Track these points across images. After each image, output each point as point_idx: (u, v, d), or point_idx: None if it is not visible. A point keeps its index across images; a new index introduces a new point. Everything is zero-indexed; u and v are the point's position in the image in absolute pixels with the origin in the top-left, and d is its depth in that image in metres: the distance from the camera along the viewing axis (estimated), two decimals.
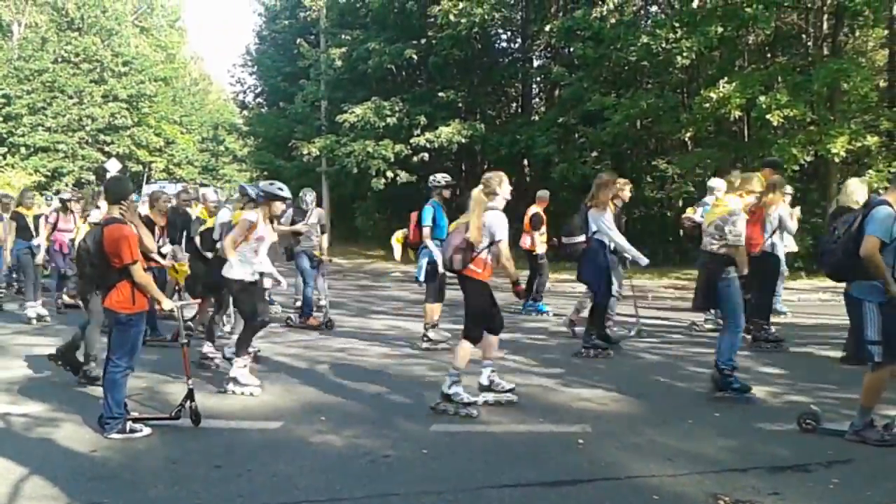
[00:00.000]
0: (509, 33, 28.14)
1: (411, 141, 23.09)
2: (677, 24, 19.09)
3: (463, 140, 22.80)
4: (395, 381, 7.69)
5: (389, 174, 23.32)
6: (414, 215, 9.54)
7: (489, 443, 5.72)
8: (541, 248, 12.41)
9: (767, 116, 17.04)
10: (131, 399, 6.19)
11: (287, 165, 27.92)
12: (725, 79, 18.07)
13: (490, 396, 6.75)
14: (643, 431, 5.90)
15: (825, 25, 19.66)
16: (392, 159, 23.24)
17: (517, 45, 27.85)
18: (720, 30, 18.10)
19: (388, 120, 23.07)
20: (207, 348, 8.29)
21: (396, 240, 9.90)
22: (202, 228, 9.09)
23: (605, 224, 8.60)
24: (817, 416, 5.82)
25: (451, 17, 21.76)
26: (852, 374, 7.78)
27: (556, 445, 5.61)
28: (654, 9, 24.34)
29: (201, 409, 5.97)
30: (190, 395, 5.91)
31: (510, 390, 6.82)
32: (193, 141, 53.52)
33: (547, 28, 22.58)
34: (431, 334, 9.39)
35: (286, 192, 7.44)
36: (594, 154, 23.05)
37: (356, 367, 8.34)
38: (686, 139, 21.98)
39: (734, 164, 21.34)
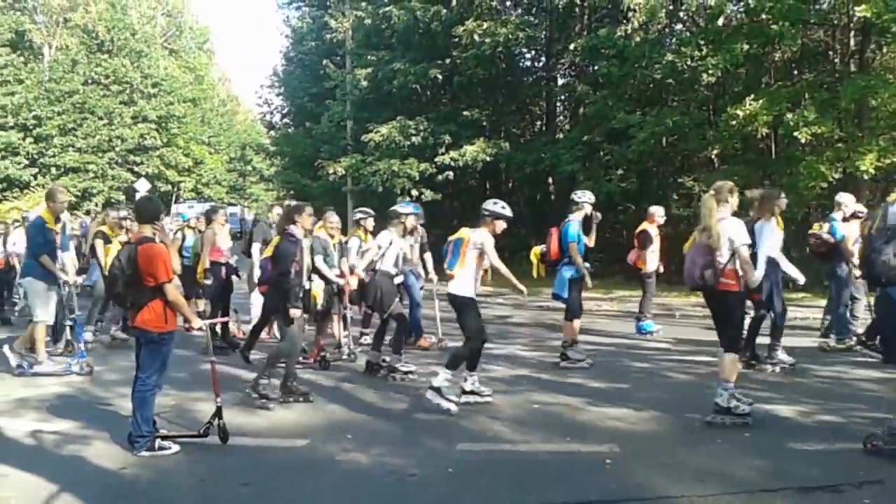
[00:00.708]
0: (533, 52, 28.19)
1: (436, 160, 23.14)
2: (702, 42, 19.05)
3: (488, 158, 22.82)
4: (421, 399, 7.68)
5: (414, 192, 23.36)
6: (555, 230, 9.47)
7: (515, 462, 5.69)
8: (650, 266, 11.82)
9: (795, 133, 16.90)
10: (160, 417, 6.25)
11: (313, 185, 28.10)
12: (752, 96, 17.96)
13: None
14: (672, 451, 5.85)
15: (852, 42, 19.51)
16: (417, 178, 23.29)
17: (541, 64, 27.89)
18: (746, 47, 18.01)
19: (413, 139, 23.16)
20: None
21: (534, 254, 9.78)
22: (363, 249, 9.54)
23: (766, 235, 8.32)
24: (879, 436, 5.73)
25: (476, 37, 21.86)
26: (881, 394, 7.71)
27: (583, 465, 5.58)
28: (679, 27, 24.27)
29: (229, 427, 6.00)
30: (218, 413, 5.94)
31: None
32: (221, 161, 54.17)
33: (571, 46, 22.61)
34: (571, 353, 9.28)
35: (508, 211, 7.48)
36: (619, 172, 22.97)
37: (383, 384, 8.34)
38: (712, 157, 21.87)
39: (762, 181, 21.24)
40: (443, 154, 23.03)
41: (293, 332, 7.46)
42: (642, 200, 23.50)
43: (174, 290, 5.77)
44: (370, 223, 10.34)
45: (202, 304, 11.27)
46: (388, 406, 7.38)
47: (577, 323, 9.38)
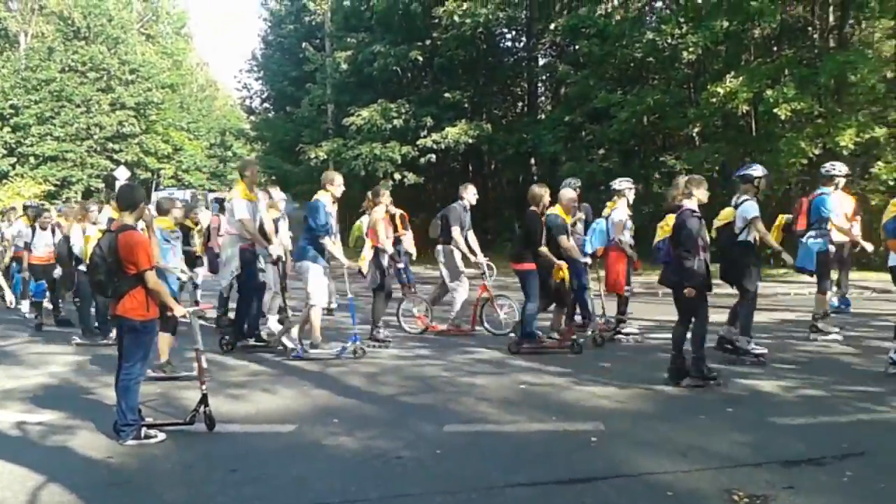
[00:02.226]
0: (514, 32, 28.16)
1: (418, 142, 23.12)
2: (682, 20, 19.09)
3: (470, 140, 22.83)
4: (407, 382, 7.71)
5: (397, 176, 23.35)
6: (805, 200, 9.61)
7: (502, 442, 5.73)
8: None
9: (775, 110, 16.99)
10: (145, 405, 6.23)
11: (294, 169, 28.02)
12: (732, 73, 18.04)
13: None
14: (656, 428, 5.90)
15: (831, 17, 19.60)
16: (399, 161, 23.28)
17: (522, 45, 27.86)
18: (726, 24, 18.06)
19: (395, 122, 23.11)
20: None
21: (780, 222, 9.65)
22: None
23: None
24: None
25: (456, 18, 21.80)
26: (865, 368, 7.81)
27: (569, 444, 5.62)
28: (658, 4, 24.30)
29: (215, 414, 5.99)
30: (204, 400, 5.93)
31: None
32: (201, 147, 53.73)
33: (552, 26, 22.61)
34: (821, 325, 9.36)
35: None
36: (601, 151, 23.04)
37: (369, 368, 8.35)
38: (694, 134, 21.96)
39: (742, 158, 21.34)
40: (425, 137, 23.02)
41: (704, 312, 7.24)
42: None
43: (154, 278, 5.73)
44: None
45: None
46: (374, 390, 7.39)
47: (829, 295, 9.55)
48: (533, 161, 25.19)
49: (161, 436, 5.77)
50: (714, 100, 17.86)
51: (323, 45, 28.80)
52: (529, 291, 8.83)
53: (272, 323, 10.12)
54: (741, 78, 17.56)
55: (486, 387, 7.35)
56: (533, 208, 9.00)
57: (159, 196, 14.39)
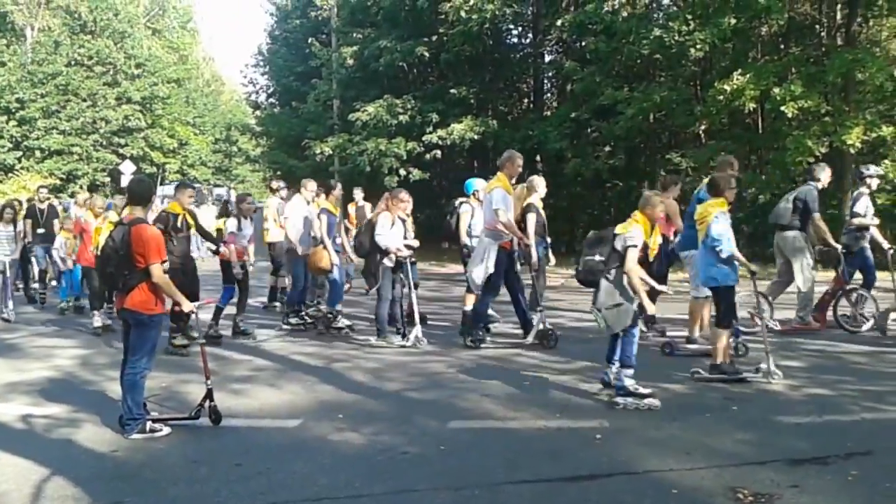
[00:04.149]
0: (520, 28, 28.07)
1: (423, 138, 23.08)
2: (690, 17, 19.00)
3: (475, 136, 22.77)
4: (412, 378, 7.71)
5: (402, 172, 23.33)
6: None
7: (507, 439, 5.73)
8: None
9: (782, 108, 16.93)
10: (150, 400, 6.24)
11: (300, 165, 27.98)
12: (739, 71, 17.96)
13: None
14: (661, 426, 5.90)
15: (839, 15, 19.53)
16: (405, 157, 23.24)
17: (528, 41, 27.78)
18: (733, 21, 17.98)
19: (401, 117, 23.08)
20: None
21: None
22: None
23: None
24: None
25: (462, 14, 21.72)
26: (869, 367, 7.80)
27: (573, 441, 5.62)
28: (666, 1, 24.22)
29: (220, 409, 6.01)
30: (209, 395, 5.94)
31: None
32: (207, 142, 53.77)
33: (558, 23, 22.50)
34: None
35: None
36: (607, 148, 22.99)
37: (373, 364, 8.35)
38: (700, 132, 21.89)
39: (748, 156, 21.29)
40: (430, 133, 22.98)
41: None
42: (630, 177, 23.60)
43: (160, 271, 5.74)
44: None
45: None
46: (379, 385, 7.40)
47: None
48: (539, 157, 25.14)
49: (166, 430, 5.79)
50: (721, 97, 17.79)
51: (329, 41, 28.76)
52: None
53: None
54: (748, 75, 17.49)
55: (491, 383, 7.35)
56: None
57: (164, 190, 14.42)
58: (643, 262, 6.90)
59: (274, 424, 6.11)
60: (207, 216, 11.80)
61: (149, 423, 5.74)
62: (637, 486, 4.73)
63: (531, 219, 9.48)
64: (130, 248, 5.65)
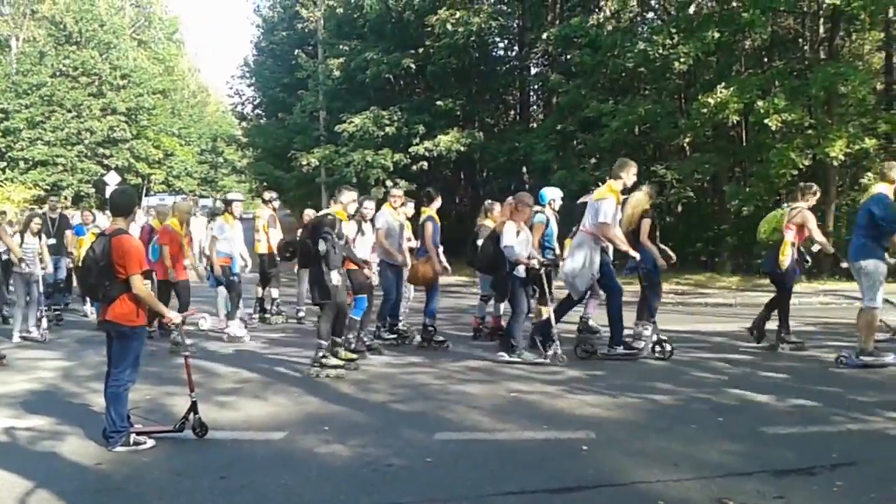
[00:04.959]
0: (506, 41, 28.24)
1: (410, 150, 23.13)
2: (674, 30, 19.16)
3: (462, 148, 22.84)
4: (398, 389, 7.69)
5: (389, 183, 23.32)
6: None
7: (493, 450, 5.71)
8: None
9: (765, 121, 17.08)
10: (134, 412, 6.19)
11: (286, 176, 27.94)
12: (723, 84, 18.11)
13: None
14: (647, 437, 5.90)
15: (822, 29, 19.73)
16: (391, 168, 23.26)
17: (514, 53, 27.95)
18: (717, 35, 18.14)
19: (387, 129, 23.12)
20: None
21: None
22: None
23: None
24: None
25: (449, 27, 21.84)
26: (856, 377, 7.83)
27: (560, 452, 5.61)
28: (650, 15, 24.40)
29: (205, 421, 5.96)
30: (193, 407, 5.90)
31: None
32: (192, 153, 53.72)
33: (544, 36, 22.64)
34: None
35: None
36: (592, 161, 23.09)
37: (360, 376, 8.32)
38: (684, 144, 22.03)
39: (733, 168, 21.44)
40: (417, 144, 23.03)
41: None
42: None
43: (140, 283, 5.70)
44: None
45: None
46: (365, 397, 7.37)
47: None
48: (525, 169, 25.23)
49: (150, 442, 5.74)
50: (705, 110, 17.92)
51: (315, 52, 28.78)
52: None
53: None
54: (732, 89, 17.64)
55: (478, 395, 7.34)
56: None
57: (149, 201, 14.39)
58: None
59: (259, 437, 6.07)
60: (197, 227, 11.70)
61: (133, 436, 5.69)
62: (623, 497, 4.74)
63: (646, 224, 9.23)
64: (111, 258, 5.61)
